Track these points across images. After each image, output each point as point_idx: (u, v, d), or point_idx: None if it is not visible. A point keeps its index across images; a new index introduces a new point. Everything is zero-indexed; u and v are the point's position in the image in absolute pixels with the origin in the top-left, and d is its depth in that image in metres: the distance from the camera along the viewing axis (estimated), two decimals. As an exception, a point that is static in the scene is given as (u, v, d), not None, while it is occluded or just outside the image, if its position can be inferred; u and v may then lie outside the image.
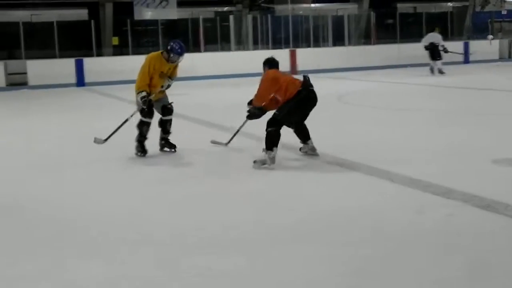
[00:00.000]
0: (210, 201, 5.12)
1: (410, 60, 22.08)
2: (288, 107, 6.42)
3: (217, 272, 3.52)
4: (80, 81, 19.39)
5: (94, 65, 19.36)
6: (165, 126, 7.39)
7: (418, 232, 4.11)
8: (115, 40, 22.08)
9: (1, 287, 3.44)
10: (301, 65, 21.89)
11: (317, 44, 24.20)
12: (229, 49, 23.18)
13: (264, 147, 6.32)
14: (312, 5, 26.08)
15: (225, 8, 25.56)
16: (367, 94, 14.20)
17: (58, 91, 17.79)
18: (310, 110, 6.67)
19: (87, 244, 4.11)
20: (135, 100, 7.23)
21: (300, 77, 6.85)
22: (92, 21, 21.28)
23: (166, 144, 7.46)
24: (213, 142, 7.72)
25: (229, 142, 7.65)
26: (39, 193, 5.64)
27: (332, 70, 21.32)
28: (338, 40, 24.42)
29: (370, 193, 5.20)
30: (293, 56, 22.06)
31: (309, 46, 23.77)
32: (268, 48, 23.06)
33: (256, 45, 23.54)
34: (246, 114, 7.02)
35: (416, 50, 20.36)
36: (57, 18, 21.67)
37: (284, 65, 22.07)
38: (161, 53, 7.28)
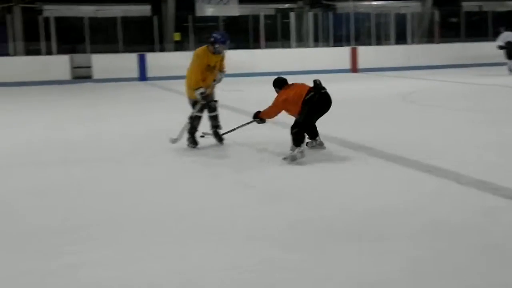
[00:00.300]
0: (266, 198, 5.08)
1: (475, 59, 21.53)
2: (306, 111, 6.67)
3: (280, 265, 3.49)
4: (142, 76, 19.72)
5: (156, 60, 19.67)
6: (212, 121, 7.62)
7: (485, 235, 3.97)
8: (177, 36, 22.30)
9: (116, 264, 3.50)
10: (361, 63, 21.69)
11: (378, 42, 23.87)
12: (289, 46, 23.10)
13: (292, 145, 6.57)
14: (374, 2, 25.72)
15: (286, 5, 25.46)
16: (431, 93, 13.89)
17: (120, 85, 18.14)
18: (326, 111, 6.91)
19: (160, 235, 4.15)
20: (188, 96, 7.47)
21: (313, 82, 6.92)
22: (155, 17, 21.58)
23: (216, 136, 7.69)
24: (204, 134, 7.72)
25: (225, 133, 7.68)
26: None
27: (394, 69, 21.01)
28: (400, 39, 24.01)
29: (434, 193, 5.06)
30: (354, 54, 21.86)
31: (370, 44, 23.46)
32: (328, 46, 22.90)
33: (316, 42, 23.39)
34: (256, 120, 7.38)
35: (482, 49, 19.86)
36: (121, 13, 22.07)
37: (344, 63, 22.22)
38: (207, 47, 7.39)
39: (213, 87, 7.53)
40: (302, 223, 4.32)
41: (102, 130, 9.25)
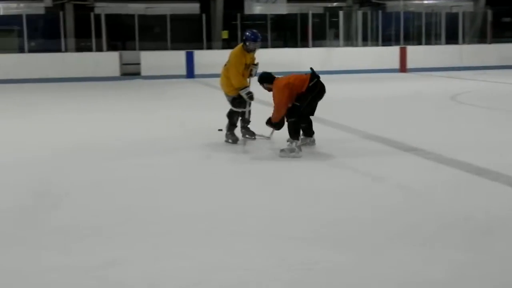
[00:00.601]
0: (307, 196, 5.02)
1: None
2: (309, 98, 6.73)
3: (325, 266, 3.43)
4: (190, 73, 19.84)
5: (203, 58, 19.74)
6: (243, 117, 7.63)
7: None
8: (225, 34, 22.35)
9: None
10: (411, 62, 21.35)
11: (428, 41, 23.44)
12: (337, 45, 22.91)
13: (289, 137, 6.62)
14: (425, 1, 25.29)
15: (335, 4, 25.26)
16: (482, 94, 13.58)
17: (168, 82, 18.29)
18: (319, 100, 6.98)
19: (198, 234, 4.13)
20: (226, 92, 7.56)
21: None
22: (203, 14, 21.68)
23: (246, 132, 7.68)
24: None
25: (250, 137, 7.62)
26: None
27: (444, 69, 20.61)
28: (451, 38, 23.52)
29: (484, 196, 4.92)
30: (403, 54, 21.53)
31: (420, 43, 23.07)
32: (377, 45, 22.63)
33: (365, 41, 23.13)
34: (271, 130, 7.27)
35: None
36: (170, 11, 22.24)
37: (393, 63, 21.89)
38: (242, 45, 7.47)
39: (249, 83, 7.60)
40: (340, 223, 4.26)
41: (149, 127, 9.31)
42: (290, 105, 6.70)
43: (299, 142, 6.66)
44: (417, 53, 21.69)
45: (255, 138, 7.67)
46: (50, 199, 5.09)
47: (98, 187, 5.52)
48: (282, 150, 6.63)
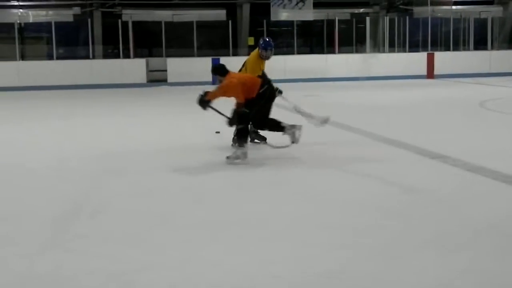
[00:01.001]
0: (334, 204, 4.97)
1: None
2: (258, 105, 6.71)
3: (352, 275, 3.39)
4: (216, 80, 19.84)
5: (229, 64, 19.65)
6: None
7: None
8: (251, 40, 22.38)
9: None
10: (438, 69, 21.15)
11: (456, 47, 23.19)
12: (364, 51, 22.79)
13: (236, 143, 6.88)
14: (453, 7, 25.03)
15: (361, 10, 25.15)
16: (511, 101, 13.37)
17: (194, 89, 18.32)
18: (272, 103, 7.00)
19: (226, 240, 4.12)
20: None
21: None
22: (230, 21, 21.73)
23: (256, 136, 7.80)
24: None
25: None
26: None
27: (473, 75, 20.39)
28: (480, 44, 23.25)
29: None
30: (430, 60, 21.35)
31: (448, 49, 22.84)
32: (404, 51, 22.46)
33: (392, 47, 22.97)
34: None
35: None
36: (197, 18, 22.35)
37: (420, 69, 21.75)
38: (258, 52, 7.68)
39: None
40: (367, 231, 4.20)
41: (176, 133, 9.34)
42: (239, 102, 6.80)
43: (245, 150, 6.67)
44: (445, 59, 21.49)
45: (265, 143, 7.72)
46: (84, 205, 5.11)
47: (127, 193, 5.54)
48: (228, 158, 6.67)
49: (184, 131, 9.60)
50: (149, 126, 10.36)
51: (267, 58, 7.63)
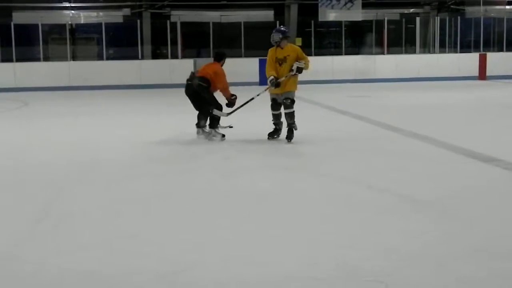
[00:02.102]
0: (380, 206, 4.85)
1: None
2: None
3: (397, 279, 3.28)
4: (263, 80, 19.80)
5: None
6: (286, 118, 8.12)
7: None
8: (298, 41, 22.24)
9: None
10: (491, 70, 20.66)
11: (510, 48, 22.60)
12: (413, 52, 22.44)
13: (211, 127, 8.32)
14: (507, 7, 24.41)
15: (411, 10, 24.76)
16: None
17: (240, 89, 18.33)
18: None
19: (268, 241, 4.06)
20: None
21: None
22: (278, 22, 21.67)
23: (288, 131, 8.13)
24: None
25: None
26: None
27: (527, 77, 19.84)
28: (534, 44, 22.63)
29: None
30: (482, 61, 20.86)
31: (501, 50, 22.29)
32: (456, 52, 22.02)
33: (442, 48, 22.54)
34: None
35: None
36: (245, 19, 22.37)
37: (472, 70, 21.25)
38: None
39: (288, 77, 7.99)
40: (416, 235, 4.07)
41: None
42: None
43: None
44: (498, 60, 20.97)
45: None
46: (124, 205, 5.14)
47: (170, 193, 5.54)
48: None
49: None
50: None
51: (277, 44, 8.11)
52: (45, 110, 13.63)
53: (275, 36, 8.12)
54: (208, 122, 8.54)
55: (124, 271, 3.54)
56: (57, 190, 5.69)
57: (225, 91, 8.55)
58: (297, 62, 7.95)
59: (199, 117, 8.64)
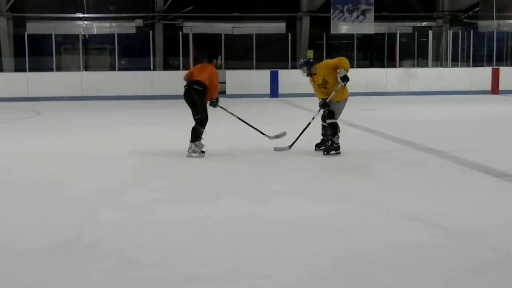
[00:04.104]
0: (393, 220, 4.80)
1: None
2: None
3: None
4: (274, 92, 19.87)
5: (288, 77, 19.72)
6: (322, 130, 8.25)
7: None
8: (310, 53, 22.29)
9: None
10: (504, 84, 20.56)
11: (523, 62, 22.56)
12: (426, 65, 22.38)
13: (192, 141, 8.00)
14: (520, 21, 24.35)
15: (424, 23, 24.74)
16: None
17: (252, 101, 18.37)
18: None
19: (276, 253, 4.03)
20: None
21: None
22: (289, 34, 21.71)
23: (323, 143, 8.22)
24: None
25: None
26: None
27: (540, 92, 19.73)
28: (547, 59, 22.53)
29: None
30: (495, 75, 20.76)
31: (514, 64, 22.23)
32: (468, 66, 21.96)
33: (455, 62, 22.48)
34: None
35: None
36: (257, 31, 22.43)
37: (484, 85, 21.16)
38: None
39: (338, 91, 7.96)
40: (426, 248, 4.02)
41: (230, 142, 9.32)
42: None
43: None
44: (511, 75, 20.86)
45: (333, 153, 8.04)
46: (130, 215, 5.11)
47: (178, 203, 5.51)
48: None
49: (239, 140, 9.52)
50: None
51: (308, 76, 8.25)
52: (57, 120, 13.68)
53: (303, 72, 8.22)
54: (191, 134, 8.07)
55: (133, 282, 3.52)
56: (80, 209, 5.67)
57: (214, 94, 8.28)
58: (338, 74, 7.87)
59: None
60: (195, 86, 7.99)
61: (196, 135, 7.99)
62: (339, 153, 7.98)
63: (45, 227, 4.71)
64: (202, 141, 8.07)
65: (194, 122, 8.08)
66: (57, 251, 4.14)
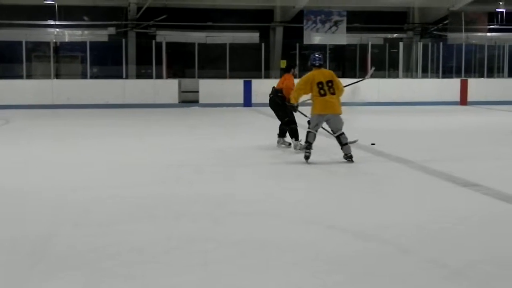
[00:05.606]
0: (363, 231, 4.88)
1: None
2: None
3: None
4: (247, 101, 19.93)
5: (261, 87, 19.76)
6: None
7: None
8: (283, 63, 22.38)
9: None
10: (472, 95, 20.92)
11: (490, 74, 22.95)
12: (396, 76, 22.67)
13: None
14: (488, 34, 24.80)
15: (395, 35, 25.08)
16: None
17: (225, 110, 18.41)
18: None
19: (256, 263, 4.06)
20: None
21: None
22: (263, 44, 21.82)
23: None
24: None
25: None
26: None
27: (507, 103, 20.09)
28: (515, 72, 22.96)
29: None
30: (464, 86, 21.11)
31: (482, 76, 22.60)
32: (438, 77, 22.29)
33: (425, 73, 22.81)
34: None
35: None
36: (230, 40, 22.49)
37: (453, 96, 21.46)
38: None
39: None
40: (393, 258, 4.09)
41: (204, 153, 9.35)
42: None
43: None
44: (479, 86, 21.27)
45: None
46: (107, 225, 5.11)
47: (157, 211, 5.52)
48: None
49: (213, 150, 9.55)
50: (177, 144, 10.34)
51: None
52: (27, 129, 13.54)
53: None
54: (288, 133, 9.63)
55: None
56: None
57: (287, 94, 9.24)
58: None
59: (279, 128, 9.81)
60: (279, 94, 9.55)
61: (293, 133, 9.41)
62: (307, 156, 8.14)
63: (10, 239, 4.66)
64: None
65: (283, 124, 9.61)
66: (22, 263, 4.12)
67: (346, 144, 8.19)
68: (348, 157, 8.17)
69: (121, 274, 3.83)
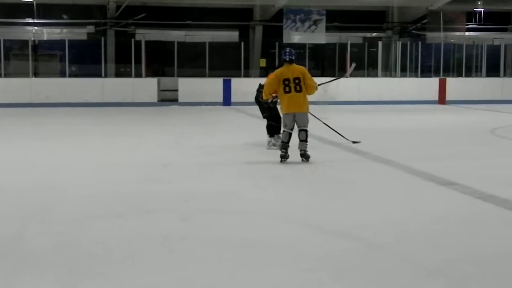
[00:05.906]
0: (342, 230, 4.89)
1: None
2: None
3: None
4: (227, 100, 19.90)
5: (241, 85, 19.77)
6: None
7: None
8: (263, 62, 22.47)
9: None
10: (450, 94, 21.09)
11: (469, 74, 23.16)
12: (375, 75, 22.79)
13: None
14: (466, 33, 25.03)
15: (374, 34, 25.20)
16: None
17: (205, 109, 18.37)
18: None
19: (234, 262, 4.05)
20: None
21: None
22: (242, 42, 21.80)
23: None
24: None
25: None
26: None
27: (484, 102, 20.30)
28: (492, 71, 23.18)
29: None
30: (442, 85, 21.29)
31: (460, 75, 22.80)
32: (416, 76, 22.44)
33: (403, 72, 22.96)
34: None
35: None
36: (210, 39, 22.44)
37: (432, 95, 21.66)
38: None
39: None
40: (375, 257, 4.11)
41: (184, 152, 9.31)
42: None
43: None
44: (457, 85, 21.45)
45: None
46: (87, 224, 5.06)
47: (137, 211, 5.48)
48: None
49: (192, 148, 9.52)
50: (156, 143, 10.30)
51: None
52: (4, 127, 13.39)
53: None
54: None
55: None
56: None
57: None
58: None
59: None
60: (260, 90, 9.52)
61: (268, 130, 9.67)
62: (285, 157, 8.11)
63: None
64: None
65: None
66: None
67: (304, 141, 8.08)
68: (302, 155, 8.10)
69: (98, 272, 3.80)
